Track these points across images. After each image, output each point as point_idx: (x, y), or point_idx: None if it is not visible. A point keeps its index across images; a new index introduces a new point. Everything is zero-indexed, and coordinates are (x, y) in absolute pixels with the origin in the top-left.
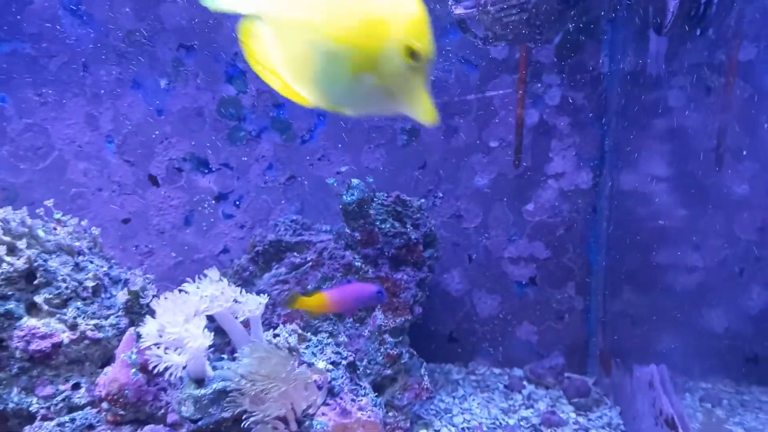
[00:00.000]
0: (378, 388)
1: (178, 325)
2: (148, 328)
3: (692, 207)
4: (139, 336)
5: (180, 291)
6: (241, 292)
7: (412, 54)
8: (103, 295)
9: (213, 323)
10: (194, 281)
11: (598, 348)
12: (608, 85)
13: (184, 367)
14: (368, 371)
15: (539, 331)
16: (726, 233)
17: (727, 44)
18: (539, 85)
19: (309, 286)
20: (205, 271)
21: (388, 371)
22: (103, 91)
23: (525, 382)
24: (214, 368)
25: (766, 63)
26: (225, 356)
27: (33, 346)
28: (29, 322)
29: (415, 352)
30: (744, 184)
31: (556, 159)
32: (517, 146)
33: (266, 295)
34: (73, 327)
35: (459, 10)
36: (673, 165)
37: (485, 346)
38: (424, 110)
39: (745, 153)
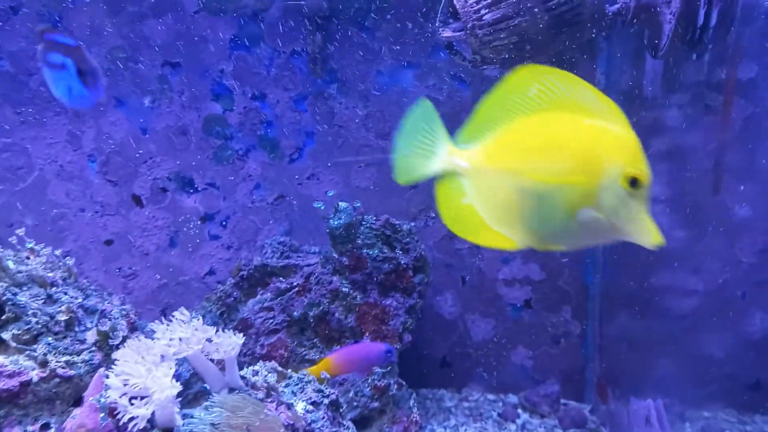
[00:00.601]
0: (365, 421)
1: (142, 375)
2: (112, 379)
3: (691, 229)
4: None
5: (148, 336)
6: (217, 331)
7: (632, 181)
8: (76, 329)
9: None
10: (163, 321)
11: (595, 374)
12: None
13: (149, 419)
14: (355, 404)
15: (534, 355)
16: (726, 256)
17: (725, 64)
18: None
19: (295, 313)
20: (175, 313)
21: (376, 404)
22: (85, 110)
23: (519, 410)
24: (185, 416)
25: (766, 81)
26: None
27: (0, 385)
28: None
29: (404, 383)
30: (745, 206)
31: None
32: None
33: (250, 322)
34: (43, 364)
35: (447, 33)
36: (671, 185)
37: (479, 371)
38: (649, 234)
39: (745, 174)
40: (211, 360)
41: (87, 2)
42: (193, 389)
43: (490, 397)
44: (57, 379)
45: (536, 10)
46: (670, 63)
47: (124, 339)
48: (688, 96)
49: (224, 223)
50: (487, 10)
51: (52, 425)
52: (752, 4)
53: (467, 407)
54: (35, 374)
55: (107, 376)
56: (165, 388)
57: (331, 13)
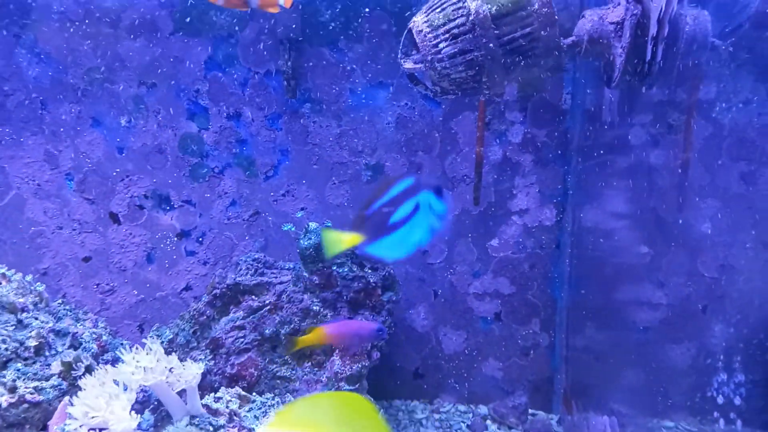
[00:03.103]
0: None
1: (102, 408)
2: (74, 409)
3: (655, 244)
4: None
5: (115, 363)
6: (178, 360)
7: None
8: (47, 353)
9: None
10: (129, 349)
11: (562, 386)
12: (571, 123)
13: None
14: None
15: (504, 367)
16: (689, 270)
17: (683, 88)
18: (502, 122)
19: (266, 331)
20: (143, 340)
21: None
22: (62, 129)
23: (488, 422)
24: None
25: (724, 102)
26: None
27: None
28: None
29: (372, 400)
30: (707, 222)
31: (519, 195)
32: (476, 185)
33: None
34: (12, 390)
35: (408, 65)
36: (635, 202)
37: (451, 383)
38: None
39: (707, 191)
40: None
41: (63, 23)
42: (162, 413)
43: (461, 408)
44: (26, 405)
45: (491, 45)
46: (625, 90)
47: (88, 369)
48: (651, 116)
49: (200, 239)
50: (444, 44)
51: None
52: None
53: (438, 419)
54: (4, 400)
55: (71, 405)
56: (123, 420)
57: (304, 35)
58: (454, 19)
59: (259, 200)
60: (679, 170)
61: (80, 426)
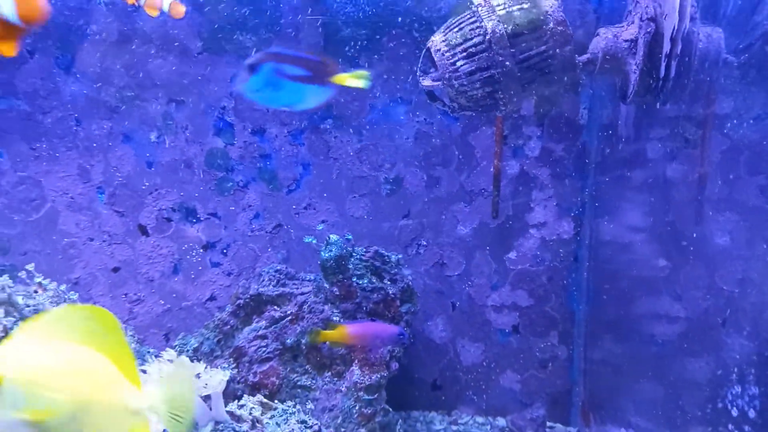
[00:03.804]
0: None
1: None
2: None
3: (673, 257)
4: None
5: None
6: (206, 367)
7: None
8: None
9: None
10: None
11: (580, 398)
12: (588, 137)
13: None
14: (342, 429)
15: (522, 379)
16: (707, 284)
17: (699, 103)
18: (519, 137)
19: (288, 341)
20: (162, 353)
21: (362, 430)
22: (95, 144)
23: None
24: None
25: (741, 116)
26: None
27: None
28: None
29: (390, 410)
30: (725, 236)
31: (537, 209)
32: (494, 199)
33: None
34: None
35: (427, 82)
36: (652, 215)
37: (469, 394)
38: None
39: (724, 204)
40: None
41: (97, 44)
42: None
43: (479, 419)
44: None
45: (507, 63)
46: (640, 106)
47: None
48: (667, 130)
49: (225, 251)
50: (462, 62)
51: None
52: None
53: (456, 430)
54: None
55: None
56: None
57: (327, 53)
58: (471, 38)
59: (281, 213)
60: (697, 184)
61: None
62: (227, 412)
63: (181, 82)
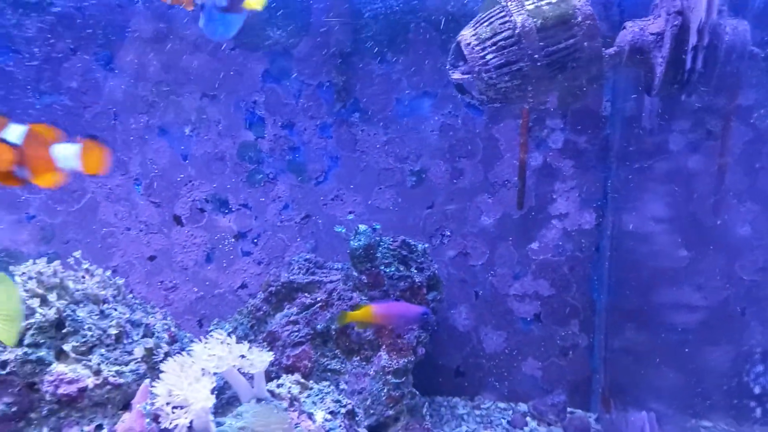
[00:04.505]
0: (380, 428)
1: (183, 388)
2: (159, 389)
3: (694, 248)
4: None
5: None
6: (249, 348)
7: None
8: (125, 341)
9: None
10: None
11: (600, 385)
12: (611, 129)
13: (189, 426)
14: (371, 411)
15: (544, 366)
16: (728, 273)
17: (721, 94)
18: (543, 129)
19: (318, 326)
20: (212, 333)
21: (391, 412)
22: (132, 138)
23: (528, 419)
24: (219, 424)
25: (766, 107)
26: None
27: (61, 390)
28: (58, 368)
29: (417, 393)
30: (745, 226)
31: (559, 200)
32: (520, 190)
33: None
34: (97, 373)
35: (456, 75)
36: (674, 206)
37: (491, 381)
38: None
39: (745, 195)
40: (243, 373)
41: (135, 41)
42: (225, 395)
43: (502, 405)
44: (109, 386)
45: (536, 56)
46: (665, 98)
47: (167, 355)
48: (689, 122)
49: (256, 240)
50: (491, 56)
51: (104, 426)
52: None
53: (479, 415)
54: (90, 381)
55: (153, 386)
56: (202, 399)
57: (354, 48)
58: (501, 32)
59: (310, 204)
60: (718, 175)
61: (165, 404)
62: (267, 390)
63: (214, 78)
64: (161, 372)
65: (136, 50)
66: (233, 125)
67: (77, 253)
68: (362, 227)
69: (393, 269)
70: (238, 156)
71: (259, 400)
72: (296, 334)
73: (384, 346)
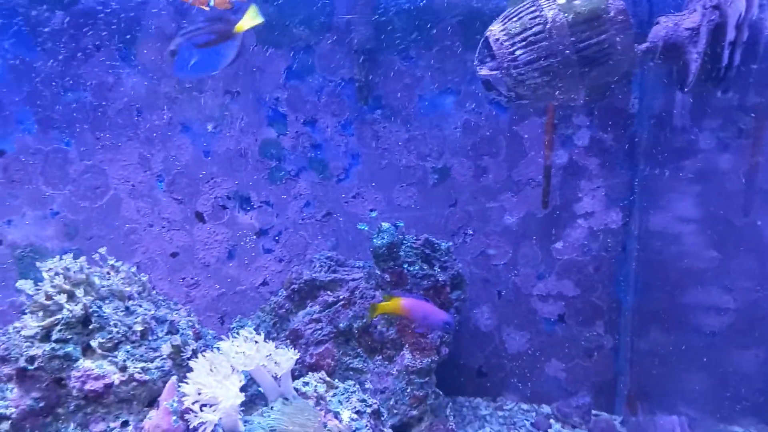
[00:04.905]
0: (404, 427)
1: (213, 386)
2: (188, 388)
3: (723, 248)
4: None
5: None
6: (276, 347)
7: None
8: (150, 338)
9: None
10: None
11: (626, 387)
12: (638, 127)
13: (217, 423)
14: (395, 411)
15: (567, 368)
16: (758, 275)
17: (757, 91)
18: (568, 126)
19: (341, 324)
20: (241, 331)
21: (414, 412)
22: (155, 134)
23: (552, 421)
24: (246, 422)
25: None
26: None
27: (88, 386)
28: (85, 363)
29: (441, 393)
30: None
31: (585, 199)
32: (545, 188)
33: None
34: (123, 369)
35: (484, 71)
36: (702, 206)
37: (514, 382)
38: None
39: None
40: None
41: (158, 38)
42: (247, 393)
43: (524, 406)
44: (134, 383)
45: (567, 51)
46: (698, 95)
47: (194, 352)
48: (720, 120)
49: (277, 237)
50: (521, 51)
51: (130, 422)
52: None
53: (501, 416)
54: (116, 378)
55: (182, 384)
56: (231, 397)
57: (377, 45)
58: (531, 28)
59: (331, 202)
60: (749, 174)
61: (193, 402)
62: (293, 389)
63: (236, 74)
64: (190, 369)
65: (159, 47)
66: (255, 122)
67: (103, 250)
68: (385, 225)
69: (417, 268)
70: (260, 153)
71: (285, 399)
72: (319, 332)
73: (407, 345)
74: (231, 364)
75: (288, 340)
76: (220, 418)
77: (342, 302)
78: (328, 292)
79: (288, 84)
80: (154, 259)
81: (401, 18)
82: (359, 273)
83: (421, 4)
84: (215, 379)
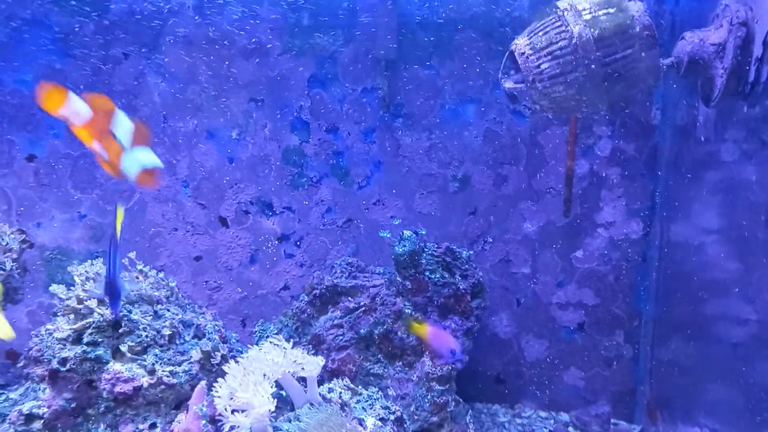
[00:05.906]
0: None
1: (248, 391)
2: (222, 391)
3: (746, 260)
4: (209, 389)
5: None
6: (302, 353)
7: None
8: (177, 342)
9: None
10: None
11: (645, 397)
12: (660, 138)
13: (248, 428)
14: (415, 417)
15: (587, 377)
16: None
17: None
18: (590, 136)
19: (362, 331)
20: (271, 339)
21: (435, 418)
22: (180, 140)
23: (571, 429)
24: (275, 429)
25: None
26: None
27: (117, 389)
28: (114, 366)
29: (461, 400)
30: None
31: (606, 208)
32: (567, 198)
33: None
34: (151, 372)
35: (509, 84)
36: (725, 217)
37: (532, 389)
38: None
39: None
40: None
41: (184, 46)
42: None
43: (543, 414)
44: (163, 386)
45: (593, 66)
46: (723, 109)
47: (224, 358)
48: (744, 132)
49: (298, 243)
50: (546, 65)
51: (158, 425)
52: None
53: (520, 423)
54: (145, 381)
55: (210, 388)
56: (264, 404)
57: (399, 54)
58: (557, 42)
59: (352, 208)
60: None
61: (225, 406)
62: (319, 395)
63: (261, 82)
64: (218, 374)
65: (186, 54)
66: (279, 129)
67: (132, 254)
68: (407, 233)
69: (437, 276)
70: (282, 159)
71: (311, 405)
72: (341, 338)
73: (428, 353)
74: (265, 371)
75: (310, 345)
76: (252, 424)
77: (363, 308)
78: (350, 298)
79: (311, 92)
80: (178, 263)
81: (424, 28)
82: (380, 279)
83: (443, 14)
84: (251, 386)
